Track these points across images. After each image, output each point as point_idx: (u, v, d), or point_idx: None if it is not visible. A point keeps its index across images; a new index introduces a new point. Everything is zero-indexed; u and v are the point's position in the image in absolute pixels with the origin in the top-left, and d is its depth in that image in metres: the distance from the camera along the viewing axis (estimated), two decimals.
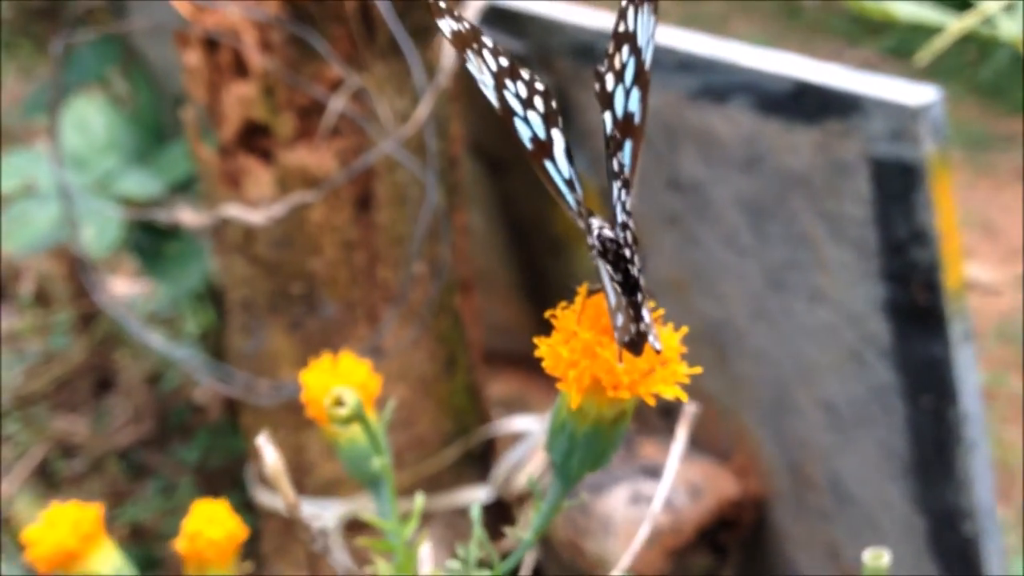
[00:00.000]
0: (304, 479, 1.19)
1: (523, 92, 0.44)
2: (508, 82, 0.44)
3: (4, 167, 1.56)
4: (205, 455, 1.86)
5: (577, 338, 0.43)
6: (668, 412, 1.28)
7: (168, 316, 2.00)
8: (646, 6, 0.44)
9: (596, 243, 0.43)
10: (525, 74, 0.44)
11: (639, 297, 0.42)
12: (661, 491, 0.57)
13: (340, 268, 1.12)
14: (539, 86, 0.44)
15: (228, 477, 1.76)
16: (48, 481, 1.85)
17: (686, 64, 1.08)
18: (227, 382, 1.19)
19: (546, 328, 0.44)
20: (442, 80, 1.06)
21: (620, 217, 0.43)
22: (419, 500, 0.55)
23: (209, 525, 0.60)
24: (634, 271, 0.42)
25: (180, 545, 0.61)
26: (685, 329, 0.44)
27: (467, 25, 0.43)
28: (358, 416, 0.53)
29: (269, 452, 0.54)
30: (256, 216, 1.06)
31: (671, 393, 0.43)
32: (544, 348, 0.43)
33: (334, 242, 1.11)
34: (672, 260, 1.19)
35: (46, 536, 0.58)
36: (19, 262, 2.02)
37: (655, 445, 1.28)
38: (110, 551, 0.61)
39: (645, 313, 0.42)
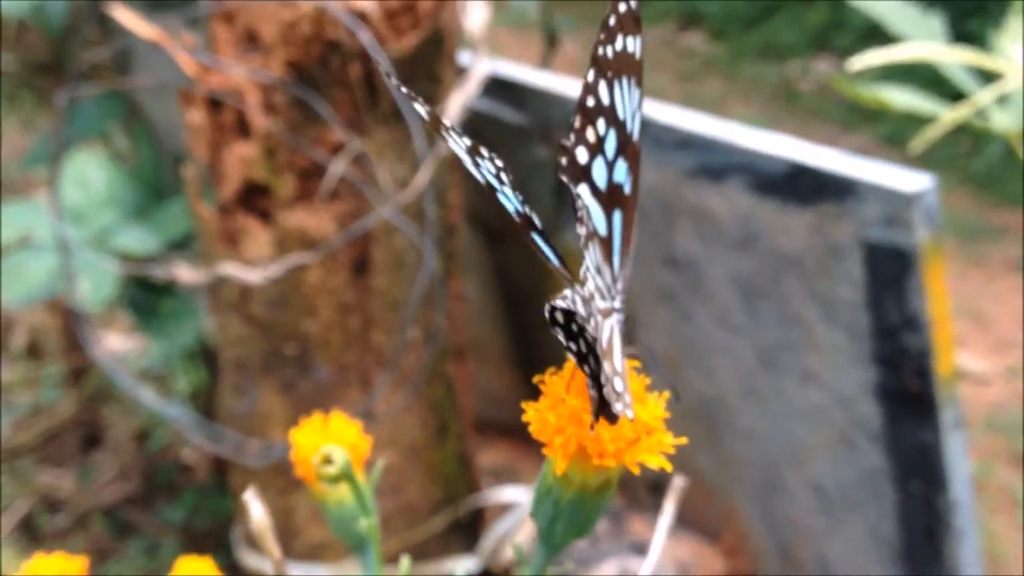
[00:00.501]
0: (291, 542, 1.18)
1: (492, 169, 0.45)
2: (479, 160, 0.44)
3: (3, 218, 1.57)
4: (191, 515, 1.84)
5: (564, 404, 0.43)
6: (657, 488, 1.28)
7: (160, 373, 1.99)
8: (625, 79, 0.45)
9: (546, 313, 0.44)
10: (484, 152, 0.45)
11: (600, 367, 0.43)
12: (647, 567, 0.56)
13: (335, 331, 1.12)
14: (498, 163, 0.44)
15: (213, 538, 1.75)
16: (31, 535, 1.84)
17: (685, 142, 1.10)
18: (216, 441, 1.19)
19: (537, 397, 0.44)
20: (442, 148, 1.07)
21: (589, 284, 0.44)
22: (404, 564, 0.55)
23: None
24: (590, 339, 0.42)
25: None
26: (667, 394, 0.44)
27: (428, 111, 0.44)
28: (346, 475, 0.53)
29: (256, 508, 0.54)
30: (253, 276, 1.06)
31: (655, 463, 0.43)
32: (531, 413, 0.43)
33: (330, 304, 1.11)
34: (666, 335, 1.19)
35: (45, 568, 0.58)
36: (12, 314, 2.02)
37: (644, 521, 1.28)
38: None
39: (618, 382, 0.42)
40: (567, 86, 1.20)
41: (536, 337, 1.36)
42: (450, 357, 1.20)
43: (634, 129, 0.45)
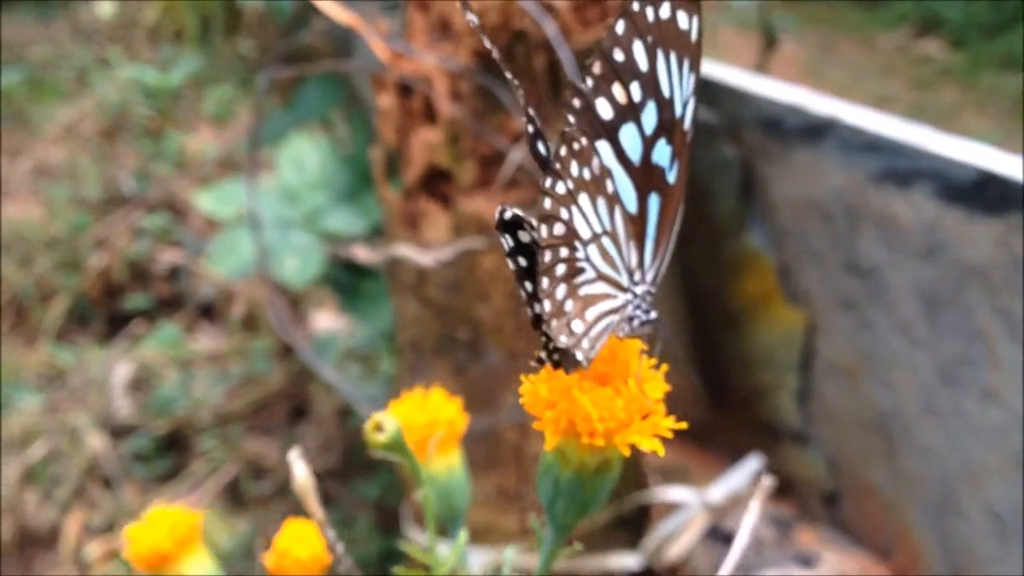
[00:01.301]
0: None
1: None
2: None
3: (224, 195, 1.66)
4: (384, 492, 1.90)
5: (558, 379, 0.43)
6: (832, 499, 1.24)
7: (365, 353, 2.06)
8: (674, 54, 0.44)
9: (496, 217, 0.44)
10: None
11: (541, 284, 0.42)
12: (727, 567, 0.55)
13: (507, 318, 1.14)
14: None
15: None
16: (236, 499, 1.93)
17: (872, 145, 1.06)
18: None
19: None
20: None
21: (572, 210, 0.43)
22: (509, 553, 0.55)
23: (297, 544, 0.62)
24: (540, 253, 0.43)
25: (268, 561, 0.62)
26: (665, 367, 0.44)
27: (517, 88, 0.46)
28: (396, 444, 0.53)
29: (299, 468, 0.56)
30: (424, 258, 1.09)
31: (648, 446, 0.42)
32: (526, 385, 0.44)
33: (503, 292, 1.13)
34: (845, 344, 1.16)
35: (144, 536, 0.60)
36: (233, 286, 2.12)
37: (814, 534, 1.24)
38: (203, 557, 0.63)
39: (577, 324, 0.42)
40: (758, 84, 1.18)
41: (717, 340, 1.34)
42: None
43: (685, 115, 0.44)
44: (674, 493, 1.25)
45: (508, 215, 0.44)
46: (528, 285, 0.44)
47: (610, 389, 0.43)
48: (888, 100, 2.54)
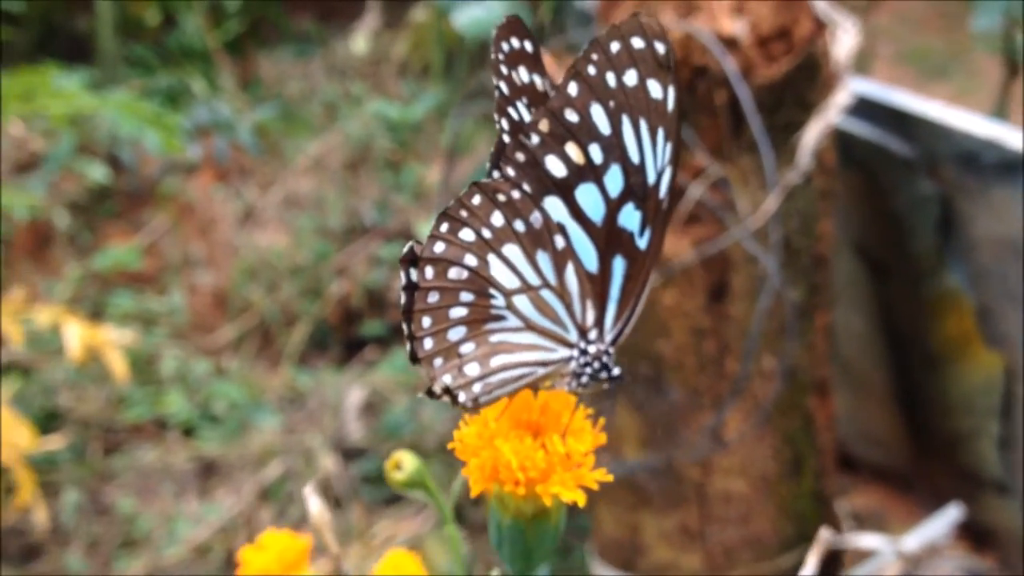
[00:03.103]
0: (637, 560, 1.20)
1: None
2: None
3: None
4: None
5: (487, 427, 0.43)
6: None
7: None
8: (644, 121, 0.44)
9: (404, 251, 0.45)
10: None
11: (417, 322, 0.44)
12: None
13: (688, 354, 1.13)
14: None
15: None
16: (459, 523, 1.98)
17: None
18: None
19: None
20: (793, 177, 1.04)
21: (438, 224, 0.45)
22: None
23: (396, 572, 0.64)
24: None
25: None
26: (602, 424, 0.43)
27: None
28: (416, 482, 0.54)
29: (314, 502, 0.57)
30: None
31: (569, 497, 0.42)
32: (459, 432, 0.44)
33: (683, 327, 1.12)
34: None
35: (255, 558, 0.64)
36: None
37: None
38: None
39: (441, 364, 0.44)
40: (956, 118, 1.13)
41: (919, 379, 1.29)
42: (811, 391, 1.17)
43: (660, 184, 0.44)
44: (868, 540, 1.20)
45: (413, 251, 0.45)
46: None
47: (534, 440, 0.44)
48: None
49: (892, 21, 3.19)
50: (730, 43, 1.06)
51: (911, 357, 1.29)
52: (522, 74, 0.47)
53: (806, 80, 1.07)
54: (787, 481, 1.17)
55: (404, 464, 0.55)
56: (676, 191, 1.08)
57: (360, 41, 2.94)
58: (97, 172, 2.20)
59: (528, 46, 0.47)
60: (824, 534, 1.18)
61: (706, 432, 1.12)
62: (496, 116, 0.47)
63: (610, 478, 0.44)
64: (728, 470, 1.14)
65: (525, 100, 0.48)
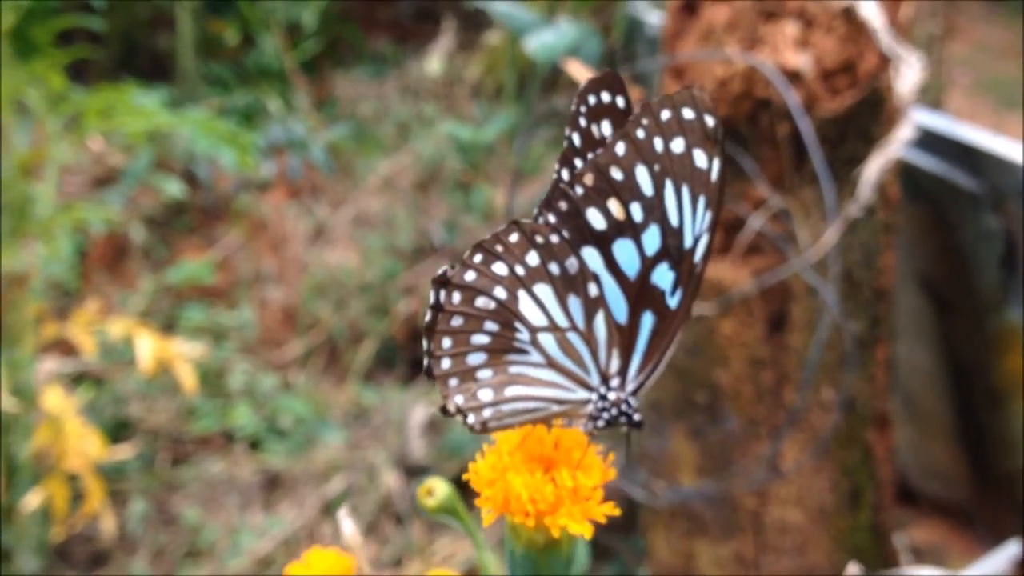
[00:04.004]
0: None
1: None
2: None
3: None
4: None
5: (501, 459, 0.44)
6: None
7: None
8: (687, 188, 0.45)
9: (438, 274, 0.47)
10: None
11: (438, 342, 0.45)
12: None
13: (746, 383, 1.13)
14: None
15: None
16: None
17: None
18: (629, 478, 1.24)
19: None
20: (854, 210, 1.04)
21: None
22: None
23: None
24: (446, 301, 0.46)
25: None
26: (612, 471, 0.44)
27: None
28: (447, 508, 0.55)
29: (347, 525, 0.59)
30: None
31: (577, 529, 0.43)
32: (474, 464, 0.46)
33: (742, 357, 1.12)
34: None
35: (302, 573, 0.65)
36: None
37: None
38: None
39: (454, 383, 0.45)
40: (1019, 152, 1.12)
41: (982, 416, 1.27)
42: (871, 424, 1.16)
43: (696, 249, 0.45)
44: (926, 573, 1.19)
45: (447, 273, 0.47)
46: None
47: (544, 473, 0.45)
48: None
49: (971, 50, 3.16)
50: (794, 76, 1.06)
51: (974, 392, 1.27)
52: (604, 128, 0.48)
53: (870, 114, 1.07)
54: (844, 513, 1.17)
55: (435, 491, 0.55)
56: (735, 222, 1.09)
57: (435, 63, 2.98)
58: (173, 188, 2.25)
59: (620, 102, 0.48)
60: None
61: (763, 461, 1.12)
62: (557, 166, 0.48)
63: (617, 512, 0.45)
64: (785, 500, 1.14)
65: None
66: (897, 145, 1.05)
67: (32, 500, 1.54)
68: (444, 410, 0.47)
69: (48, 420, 1.57)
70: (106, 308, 2.11)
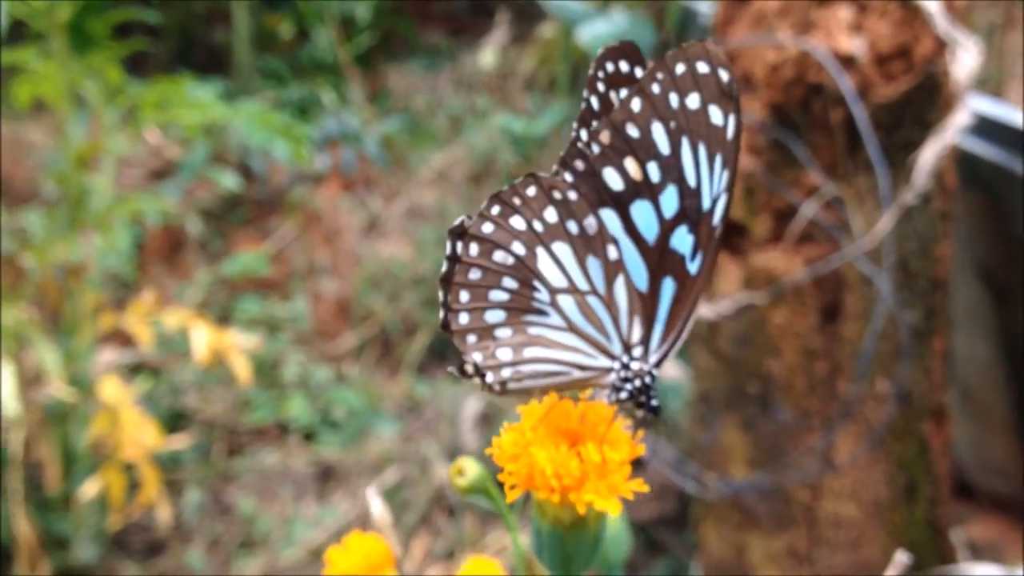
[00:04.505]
0: None
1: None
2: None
3: None
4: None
5: (524, 434, 0.43)
6: None
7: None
8: (703, 146, 0.44)
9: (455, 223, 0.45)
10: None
11: (455, 294, 0.44)
12: None
13: (798, 374, 1.11)
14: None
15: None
16: None
17: None
18: (680, 471, 1.22)
19: None
20: (909, 197, 1.02)
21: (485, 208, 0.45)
22: None
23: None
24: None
25: None
26: (642, 447, 0.42)
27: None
28: (478, 488, 0.54)
29: (376, 504, 0.57)
30: (707, 310, 1.09)
31: (603, 506, 0.41)
32: (497, 438, 0.44)
33: (794, 347, 1.11)
34: None
35: (341, 559, 0.65)
36: None
37: None
38: None
39: (483, 347, 0.44)
40: None
41: None
42: (927, 416, 1.14)
43: (714, 210, 0.44)
44: (982, 569, 1.17)
45: (464, 224, 0.46)
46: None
47: (569, 448, 0.43)
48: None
49: None
50: (847, 61, 1.04)
51: None
52: (623, 94, 0.47)
53: (925, 100, 1.05)
54: (900, 507, 1.15)
55: (467, 470, 0.54)
56: (787, 210, 1.07)
57: (488, 55, 2.97)
58: (229, 180, 2.27)
59: (638, 72, 0.47)
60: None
61: (816, 454, 1.10)
62: (576, 125, 0.47)
63: (645, 488, 0.43)
64: (839, 494, 1.12)
65: None
66: (953, 131, 1.03)
67: (89, 489, 1.56)
68: (462, 371, 0.46)
69: (105, 410, 1.58)
70: (163, 300, 2.13)
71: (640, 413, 0.46)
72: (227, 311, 2.22)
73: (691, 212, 0.44)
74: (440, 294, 0.46)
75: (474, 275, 0.45)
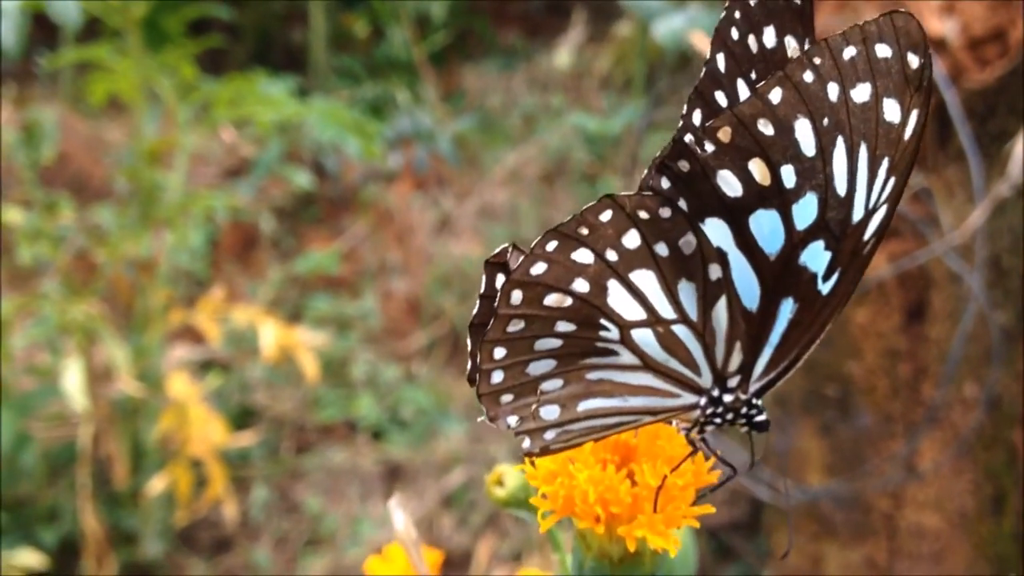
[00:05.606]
0: None
1: None
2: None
3: None
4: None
5: (565, 458, 0.36)
6: None
7: None
8: (865, 147, 0.35)
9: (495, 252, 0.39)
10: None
11: (490, 351, 0.37)
12: None
13: (880, 377, 1.07)
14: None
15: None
16: None
17: None
18: (753, 476, 1.18)
19: None
20: (1004, 190, 0.97)
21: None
22: None
23: None
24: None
25: None
26: (714, 474, 0.36)
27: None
28: (517, 500, 0.47)
29: (398, 517, 0.52)
30: None
31: (659, 544, 0.34)
32: (538, 459, 0.37)
33: (876, 348, 1.06)
34: None
35: (381, 569, 0.62)
36: None
37: None
38: None
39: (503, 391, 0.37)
40: None
41: None
42: (1018, 423, 1.08)
43: (868, 224, 0.36)
44: None
45: (506, 254, 0.39)
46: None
47: (619, 467, 0.36)
48: None
49: None
50: (938, 45, 0.99)
51: None
52: (767, 37, 0.39)
53: (1021, 86, 1.00)
54: (987, 519, 1.09)
55: (506, 480, 0.46)
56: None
57: (564, 55, 2.95)
58: (302, 179, 2.26)
59: (789, 44, 0.38)
60: None
61: (898, 461, 1.05)
62: (686, 108, 0.39)
63: (712, 510, 0.37)
64: (922, 503, 1.07)
65: (755, 74, 0.39)
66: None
67: (157, 485, 1.55)
68: (493, 419, 0.38)
69: (173, 406, 1.58)
70: (235, 297, 2.13)
71: (744, 430, 0.39)
72: (298, 309, 2.22)
73: (834, 225, 0.36)
74: (468, 343, 0.39)
75: (514, 327, 0.37)
